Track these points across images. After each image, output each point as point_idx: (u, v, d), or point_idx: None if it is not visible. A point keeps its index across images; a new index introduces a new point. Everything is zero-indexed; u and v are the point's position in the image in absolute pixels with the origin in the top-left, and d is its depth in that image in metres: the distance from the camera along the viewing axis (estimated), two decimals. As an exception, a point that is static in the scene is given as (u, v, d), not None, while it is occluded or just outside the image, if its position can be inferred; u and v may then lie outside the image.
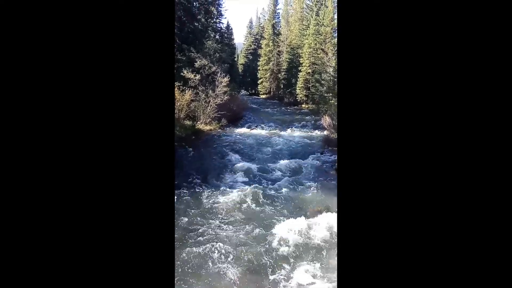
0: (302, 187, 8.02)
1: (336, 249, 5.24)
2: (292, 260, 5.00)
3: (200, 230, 5.71)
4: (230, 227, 5.93)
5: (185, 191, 7.33)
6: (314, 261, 4.99)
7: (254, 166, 9.55)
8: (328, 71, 19.91)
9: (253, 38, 37.77)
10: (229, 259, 4.94)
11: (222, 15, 21.01)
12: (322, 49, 22.21)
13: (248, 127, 16.12)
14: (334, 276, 4.61)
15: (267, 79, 30.93)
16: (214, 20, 19.08)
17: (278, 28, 31.19)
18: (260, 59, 31.43)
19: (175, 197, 6.54)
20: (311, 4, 27.62)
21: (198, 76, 14.10)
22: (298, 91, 24.99)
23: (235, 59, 33.57)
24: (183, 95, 13.07)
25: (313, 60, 23.18)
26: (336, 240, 5.48)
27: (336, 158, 10.18)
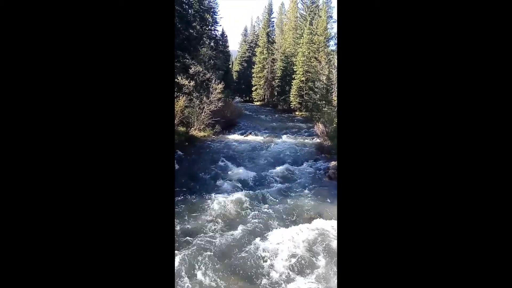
0: (295, 193, 8.02)
1: (329, 254, 5.24)
2: (284, 266, 4.97)
3: (191, 235, 5.66)
4: (222, 232, 5.89)
5: (178, 198, 7.27)
6: (307, 268, 4.97)
7: (247, 173, 9.54)
8: (321, 79, 20.18)
9: (247, 46, 38.14)
10: (218, 265, 4.89)
11: (217, 23, 21.19)
12: (315, 58, 22.54)
13: (242, 134, 16.13)
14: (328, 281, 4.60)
15: (261, 86, 31.15)
16: (209, 27, 19.22)
17: (272, 36, 31.60)
18: (255, 67, 31.70)
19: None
20: (305, 13, 28.12)
21: (192, 83, 14.12)
22: (291, 98, 25.21)
23: (230, 66, 33.75)
24: (177, 101, 13.05)
25: (306, 68, 23.47)
26: (328, 245, 5.48)
27: (328, 165, 10.24)
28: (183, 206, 6.91)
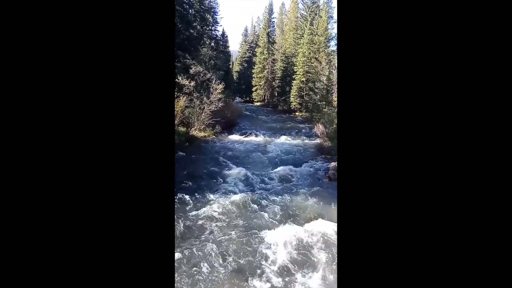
0: (295, 194, 8.02)
1: (329, 255, 5.23)
2: (283, 268, 4.97)
3: (191, 236, 5.66)
4: (222, 233, 5.88)
5: (177, 197, 7.27)
6: (307, 269, 4.97)
7: (247, 173, 9.53)
8: (321, 80, 20.18)
9: (248, 46, 38.14)
10: (219, 265, 4.89)
11: (218, 23, 21.15)
12: (316, 58, 22.53)
13: (242, 134, 16.13)
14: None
15: (262, 86, 31.14)
16: (210, 27, 19.21)
17: (273, 36, 31.59)
18: (255, 67, 31.68)
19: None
20: (305, 14, 28.12)
21: (193, 83, 14.12)
22: (292, 99, 25.20)
23: (230, 67, 33.72)
24: (177, 101, 13.05)
25: (307, 68, 23.46)
26: (328, 246, 5.48)
27: (328, 165, 10.24)
28: (183, 206, 6.90)
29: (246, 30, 41.88)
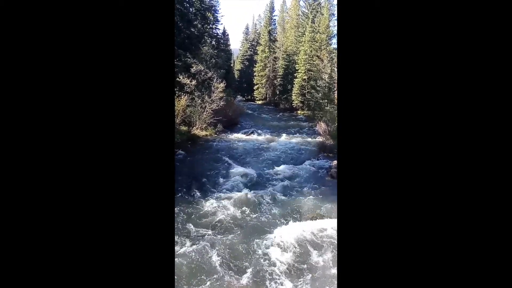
0: (297, 192, 8.01)
1: (331, 254, 5.22)
2: (285, 268, 4.96)
3: (193, 236, 5.66)
4: (224, 232, 5.88)
5: (179, 196, 7.28)
6: (308, 270, 4.96)
7: (249, 172, 9.54)
8: (323, 77, 20.12)
9: (249, 44, 38.03)
10: (221, 264, 4.89)
11: (219, 21, 21.09)
12: (317, 56, 22.44)
13: (244, 133, 16.13)
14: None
15: (263, 85, 31.07)
16: (211, 26, 19.17)
17: (274, 34, 31.48)
18: (256, 65, 31.58)
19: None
20: (307, 11, 28.00)
21: (194, 82, 14.11)
22: (293, 97, 25.14)
23: (231, 65, 33.68)
24: (179, 100, 13.06)
25: (308, 66, 23.38)
26: (330, 245, 5.46)
27: (331, 164, 10.21)
28: (185, 205, 6.91)
29: (247, 28, 41.82)
